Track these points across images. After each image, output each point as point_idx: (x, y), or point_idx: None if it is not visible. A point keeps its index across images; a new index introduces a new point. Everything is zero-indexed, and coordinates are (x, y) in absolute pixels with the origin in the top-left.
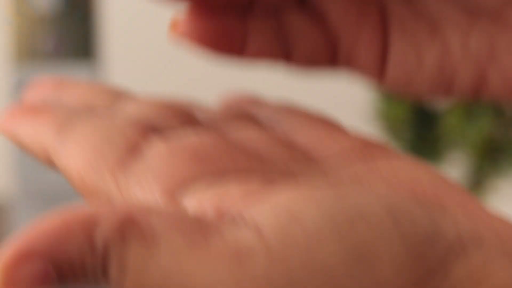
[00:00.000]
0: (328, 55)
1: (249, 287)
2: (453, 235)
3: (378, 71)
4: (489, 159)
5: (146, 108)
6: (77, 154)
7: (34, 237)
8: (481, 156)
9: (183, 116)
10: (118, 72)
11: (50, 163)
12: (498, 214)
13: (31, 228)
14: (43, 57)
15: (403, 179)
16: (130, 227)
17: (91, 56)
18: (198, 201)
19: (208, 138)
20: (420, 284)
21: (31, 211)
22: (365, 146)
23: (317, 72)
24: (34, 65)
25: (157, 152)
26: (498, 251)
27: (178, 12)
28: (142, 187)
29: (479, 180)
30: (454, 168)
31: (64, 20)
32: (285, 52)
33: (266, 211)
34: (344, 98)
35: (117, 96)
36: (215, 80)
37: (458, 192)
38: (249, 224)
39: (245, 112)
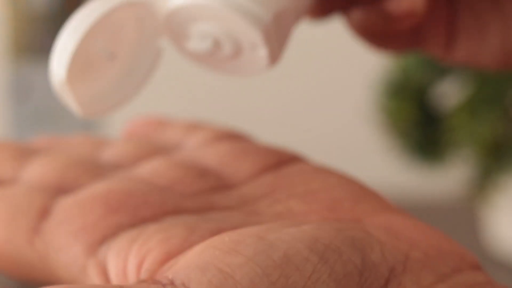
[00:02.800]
0: (414, 37)
1: None
2: (383, 265)
3: (445, 48)
4: (495, 158)
5: (52, 167)
6: None
7: None
8: (487, 155)
9: (89, 168)
10: None
11: None
12: (421, 225)
13: None
14: (41, 55)
15: (317, 190)
16: None
17: None
18: (122, 260)
19: (116, 183)
20: None
21: None
22: (277, 161)
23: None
24: (31, 62)
25: (65, 207)
26: (426, 269)
27: None
28: (62, 250)
29: (485, 179)
30: (460, 167)
31: (61, 18)
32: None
33: (194, 272)
34: (347, 97)
35: (23, 155)
36: (211, 80)
37: (377, 205)
38: None
39: (150, 140)
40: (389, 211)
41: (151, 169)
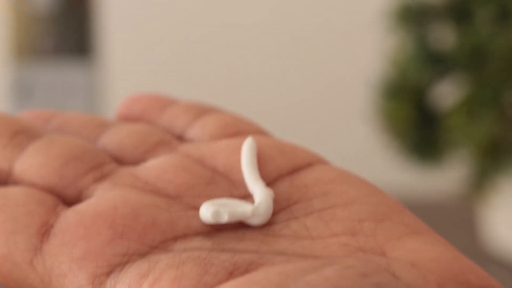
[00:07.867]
0: None
1: None
2: None
3: None
4: (492, 158)
5: (50, 162)
6: None
7: None
8: (484, 155)
9: (91, 164)
10: (116, 70)
11: None
12: (447, 255)
13: None
14: (42, 55)
15: (336, 205)
16: None
17: (90, 54)
18: None
19: (122, 195)
20: None
21: None
22: (292, 167)
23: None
24: (33, 63)
25: (68, 225)
26: None
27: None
28: (65, 277)
29: (482, 179)
30: (457, 167)
31: (63, 19)
32: None
33: None
34: (345, 97)
35: (17, 138)
36: (213, 78)
37: (399, 224)
38: None
39: (152, 122)
40: (412, 233)
41: (157, 171)
